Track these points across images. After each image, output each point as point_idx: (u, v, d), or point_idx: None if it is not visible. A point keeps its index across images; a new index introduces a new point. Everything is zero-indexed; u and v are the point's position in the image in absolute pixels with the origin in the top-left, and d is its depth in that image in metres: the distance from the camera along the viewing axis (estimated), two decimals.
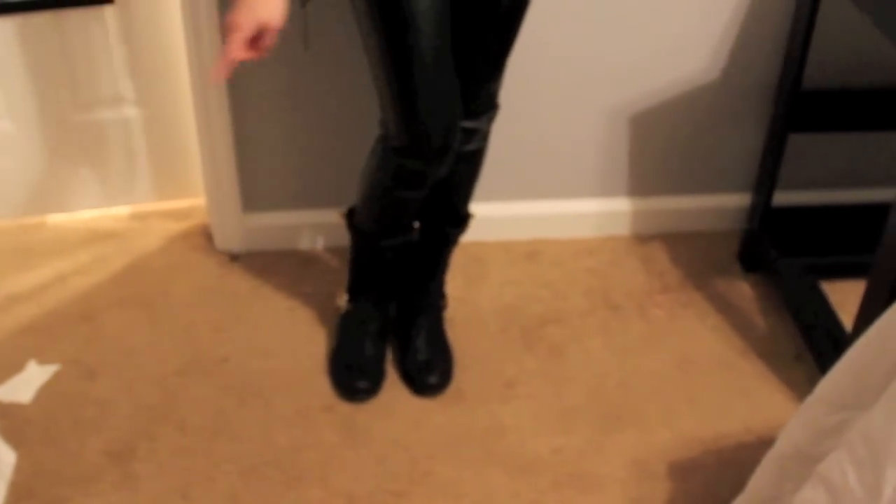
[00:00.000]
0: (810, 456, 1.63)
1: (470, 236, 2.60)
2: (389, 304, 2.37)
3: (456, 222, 2.29)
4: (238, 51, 1.72)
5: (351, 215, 2.28)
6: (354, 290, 2.35)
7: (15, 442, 2.11)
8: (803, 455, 1.66)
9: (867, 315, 1.95)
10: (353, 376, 2.26)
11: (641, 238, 2.73)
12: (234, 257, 2.63)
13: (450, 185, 2.21)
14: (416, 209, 2.18)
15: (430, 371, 2.27)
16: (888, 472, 1.38)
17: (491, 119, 2.14)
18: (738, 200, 2.70)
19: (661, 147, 2.64)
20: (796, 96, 2.38)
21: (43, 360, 2.32)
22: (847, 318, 2.20)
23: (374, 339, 2.32)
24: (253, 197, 2.61)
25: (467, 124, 2.08)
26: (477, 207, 2.60)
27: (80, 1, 2.48)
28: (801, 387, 2.26)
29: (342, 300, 2.37)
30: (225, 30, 1.73)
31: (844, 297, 2.36)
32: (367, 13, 1.86)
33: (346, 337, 2.33)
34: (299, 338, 2.38)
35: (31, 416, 2.18)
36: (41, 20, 2.48)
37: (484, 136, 2.16)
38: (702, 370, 2.33)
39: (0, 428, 2.12)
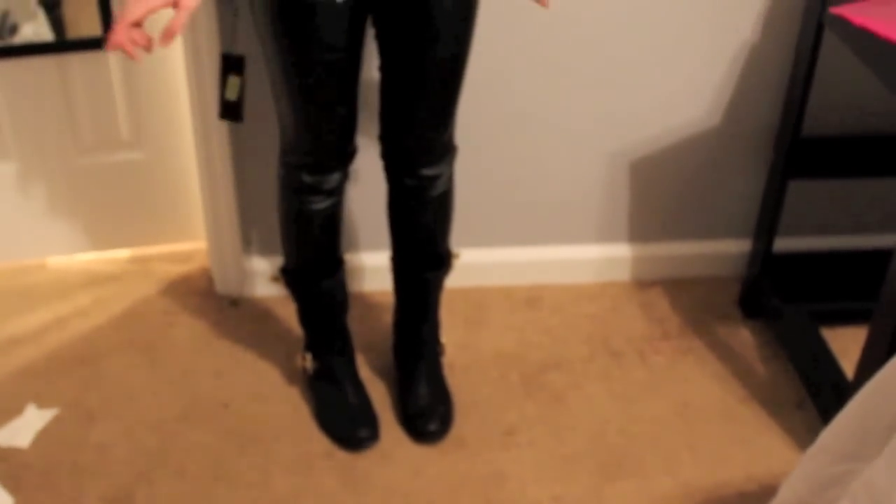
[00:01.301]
0: None
1: (470, 281, 2.61)
2: (351, 347, 2.37)
3: (436, 265, 2.28)
4: (119, 35, 1.62)
5: (285, 273, 2.29)
6: (316, 347, 2.34)
7: (12, 487, 2.10)
8: None
9: (869, 362, 1.95)
10: (351, 427, 2.25)
11: (642, 284, 2.73)
12: (235, 302, 2.63)
13: (422, 232, 2.22)
14: (331, 229, 2.19)
15: (429, 418, 2.26)
16: None
17: (451, 161, 2.15)
18: (738, 246, 2.70)
19: (662, 193, 2.64)
20: (796, 143, 2.38)
21: (42, 404, 2.31)
22: (849, 365, 2.19)
23: (353, 385, 2.32)
24: (254, 241, 2.61)
25: (428, 172, 2.10)
26: (477, 253, 2.61)
27: (83, 45, 2.49)
28: (803, 434, 2.26)
29: (305, 361, 2.36)
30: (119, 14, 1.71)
31: (846, 343, 2.35)
32: (265, 26, 1.90)
33: (325, 392, 2.32)
34: (299, 384, 2.37)
35: (29, 461, 2.17)
36: (44, 64, 2.49)
37: (448, 179, 2.16)
38: (703, 417, 2.32)
39: None
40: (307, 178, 2.08)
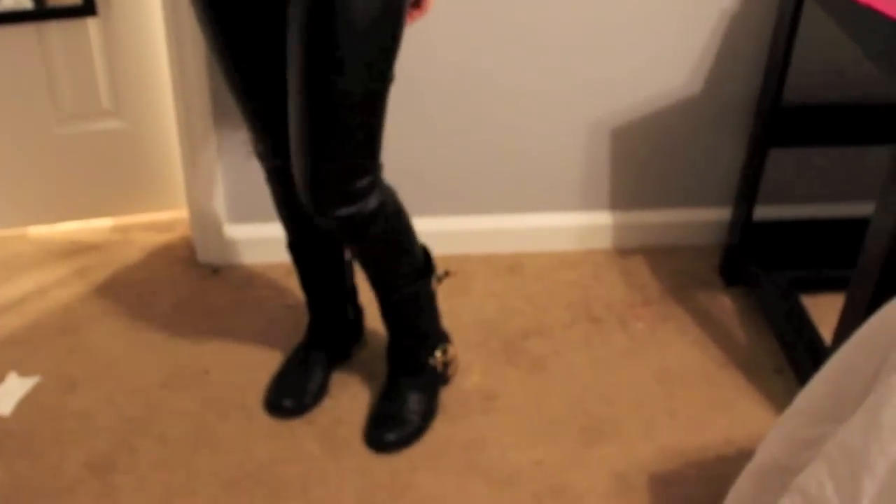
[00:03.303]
0: (788, 468, 1.63)
1: (452, 249, 2.62)
2: (324, 329, 2.31)
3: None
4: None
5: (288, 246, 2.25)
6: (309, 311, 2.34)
7: None
8: (781, 467, 1.66)
9: (846, 328, 1.96)
10: (279, 394, 2.25)
11: (623, 251, 2.74)
12: (216, 270, 2.63)
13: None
14: (288, 206, 2.12)
15: (384, 429, 2.20)
16: (865, 484, 1.38)
17: None
18: (718, 214, 2.72)
19: (643, 161, 2.65)
20: (777, 111, 2.39)
21: (24, 373, 2.31)
22: (827, 332, 2.20)
23: (311, 362, 2.29)
24: (235, 209, 2.61)
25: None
26: (459, 221, 2.62)
27: (63, 13, 2.48)
28: (781, 399, 2.27)
29: None
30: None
31: (824, 310, 2.37)
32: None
33: (291, 354, 2.34)
34: (281, 350, 2.38)
35: (11, 429, 2.17)
36: (23, 32, 2.48)
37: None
38: (682, 383, 2.34)
39: None
40: (265, 164, 2.08)
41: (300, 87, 1.72)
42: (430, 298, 2.18)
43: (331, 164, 1.79)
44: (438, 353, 2.24)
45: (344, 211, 1.83)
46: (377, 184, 1.87)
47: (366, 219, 1.87)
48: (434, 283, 2.16)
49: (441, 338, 2.26)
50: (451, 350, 2.28)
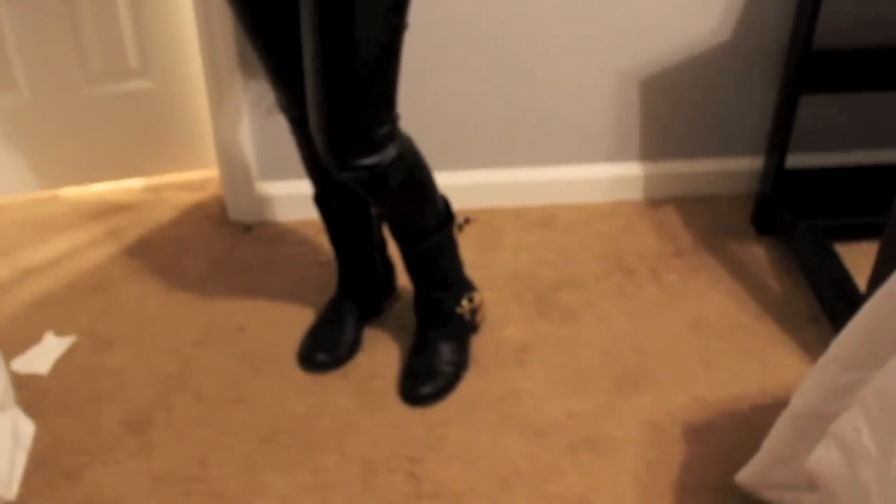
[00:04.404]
0: (824, 415, 1.63)
1: (483, 203, 2.61)
2: (354, 282, 2.31)
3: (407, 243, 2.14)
4: None
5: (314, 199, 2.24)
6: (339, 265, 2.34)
7: (33, 413, 2.12)
8: (817, 414, 1.66)
9: (881, 275, 1.94)
10: (313, 348, 2.26)
11: (654, 202, 2.73)
12: (248, 228, 2.64)
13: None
14: (313, 158, 2.08)
15: (418, 382, 2.21)
16: None
17: None
18: (750, 163, 2.70)
19: (673, 111, 2.63)
20: (807, 57, 2.36)
21: (60, 332, 2.33)
22: (861, 280, 2.19)
23: (343, 313, 2.29)
24: (266, 167, 2.61)
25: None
26: (490, 174, 2.61)
27: None
28: (816, 348, 2.26)
29: None
30: None
31: (858, 258, 2.35)
32: None
33: (324, 310, 2.34)
34: (313, 306, 2.39)
35: (48, 388, 2.19)
36: None
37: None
38: (716, 333, 2.33)
39: (19, 399, 2.13)
40: (288, 115, 2.07)
41: (315, 39, 1.71)
42: (453, 247, 2.18)
43: (348, 115, 1.78)
44: (465, 302, 2.24)
45: (364, 161, 1.83)
46: (395, 133, 1.87)
47: (386, 169, 1.86)
48: (455, 231, 2.16)
49: (466, 286, 2.26)
50: (478, 297, 2.28)
